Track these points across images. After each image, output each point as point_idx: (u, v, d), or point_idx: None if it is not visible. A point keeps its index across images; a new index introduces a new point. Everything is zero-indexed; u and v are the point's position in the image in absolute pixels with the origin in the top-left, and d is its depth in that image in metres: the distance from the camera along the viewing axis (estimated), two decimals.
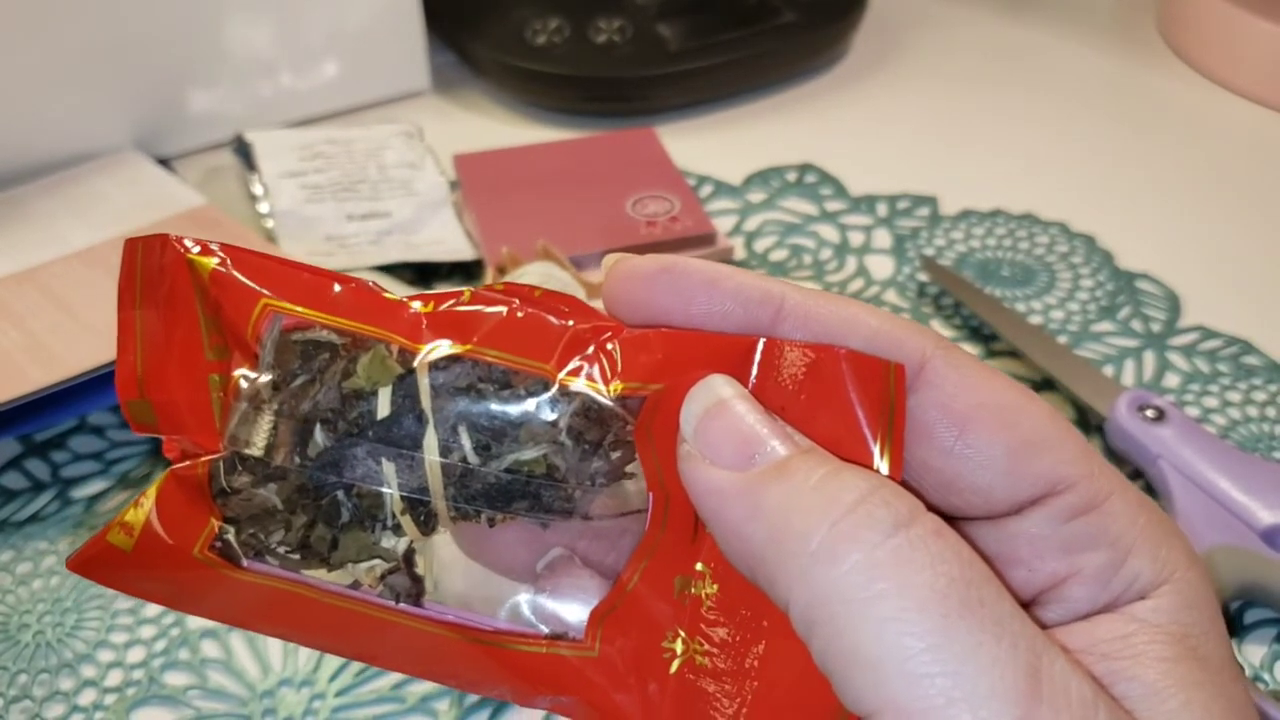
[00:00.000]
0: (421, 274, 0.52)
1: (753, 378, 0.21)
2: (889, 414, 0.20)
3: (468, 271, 0.53)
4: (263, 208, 0.54)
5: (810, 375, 0.20)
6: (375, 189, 0.55)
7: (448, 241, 0.53)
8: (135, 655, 0.38)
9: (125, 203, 0.53)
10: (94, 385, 0.43)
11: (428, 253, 0.52)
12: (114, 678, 0.37)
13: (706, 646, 0.21)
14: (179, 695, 0.36)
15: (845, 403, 0.20)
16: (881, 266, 0.53)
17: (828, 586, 0.18)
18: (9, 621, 0.39)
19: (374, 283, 0.23)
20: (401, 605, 0.23)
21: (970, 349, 0.49)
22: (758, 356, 0.21)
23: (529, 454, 0.22)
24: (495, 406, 0.22)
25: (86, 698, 0.36)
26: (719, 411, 0.20)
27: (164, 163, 0.59)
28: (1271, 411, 0.45)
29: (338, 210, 0.54)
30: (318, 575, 0.23)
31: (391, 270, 0.51)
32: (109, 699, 0.36)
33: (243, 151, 0.57)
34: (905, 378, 0.20)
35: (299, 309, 0.22)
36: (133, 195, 0.53)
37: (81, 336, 0.43)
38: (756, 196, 0.58)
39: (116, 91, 0.57)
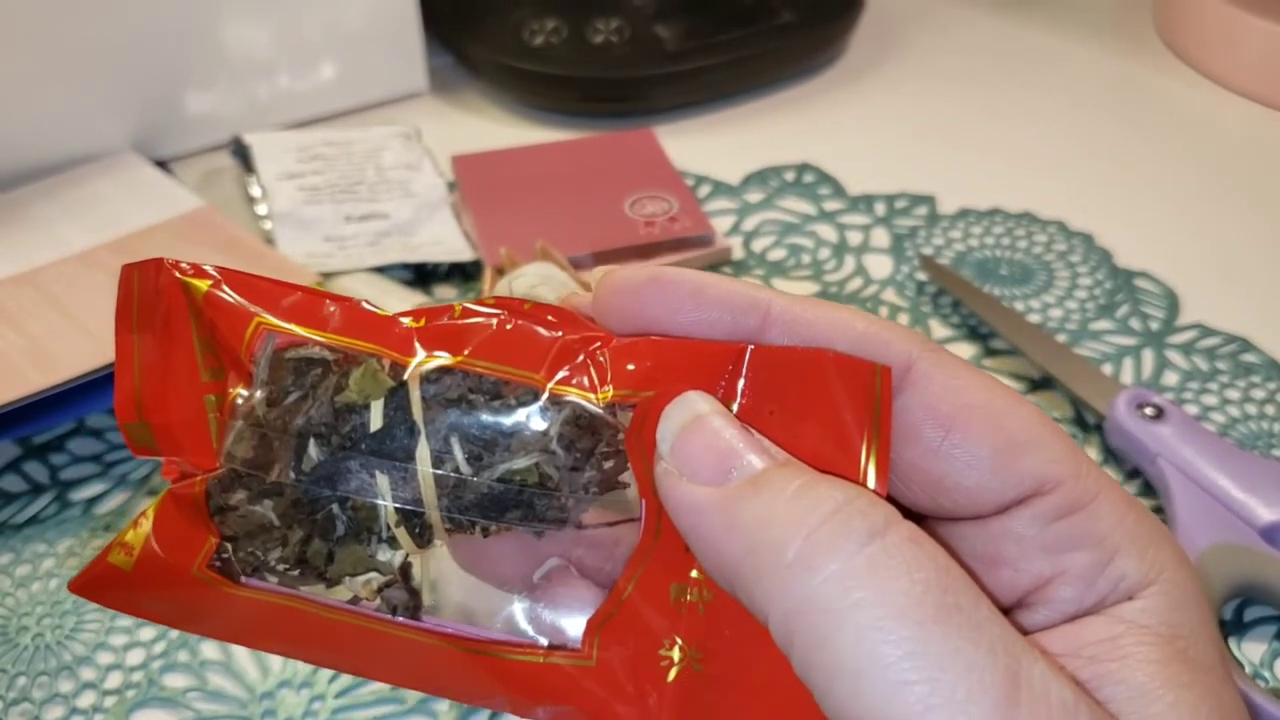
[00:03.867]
0: (420, 275, 0.52)
1: (741, 384, 0.21)
2: (875, 416, 0.20)
3: (466, 272, 0.53)
4: (261, 209, 0.54)
5: (798, 379, 0.21)
6: (373, 190, 0.55)
7: (446, 242, 0.53)
8: (134, 657, 0.37)
9: (123, 205, 0.53)
10: (92, 388, 0.43)
11: (426, 254, 0.52)
12: (113, 680, 0.37)
13: (703, 654, 0.21)
14: (178, 697, 0.36)
15: (832, 405, 0.20)
16: (880, 266, 0.53)
17: (805, 597, 0.18)
18: (8, 624, 0.39)
19: (366, 301, 0.23)
20: (399, 618, 0.23)
21: (969, 348, 0.49)
22: (746, 363, 0.21)
23: (521, 463, 0.22)
24: (486, 417, 0.22)
25: (86, 700, 0.36)
26: (696, 428, 0.20)
27: (162, 165, 0.59)
28: (1270, 409, 0.45)
29: (336, 212, 0.54)
30: (315, 590, 0.23)
31: (389, 271, 0.51)
32: (108, 701, 0.36)
33: (241, 153, 0.57)
34: (891, 379, 0.20)
35: (292, 327, 0.23)
36: (131, 198, 0.53)
37: (80, 339, 0.43)
38: (754, 196, 0.58)
39: (114, 94, 0.57)
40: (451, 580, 0.24)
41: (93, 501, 0.43)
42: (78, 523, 0.42)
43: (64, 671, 0.37)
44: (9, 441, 0.45)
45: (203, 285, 0.23)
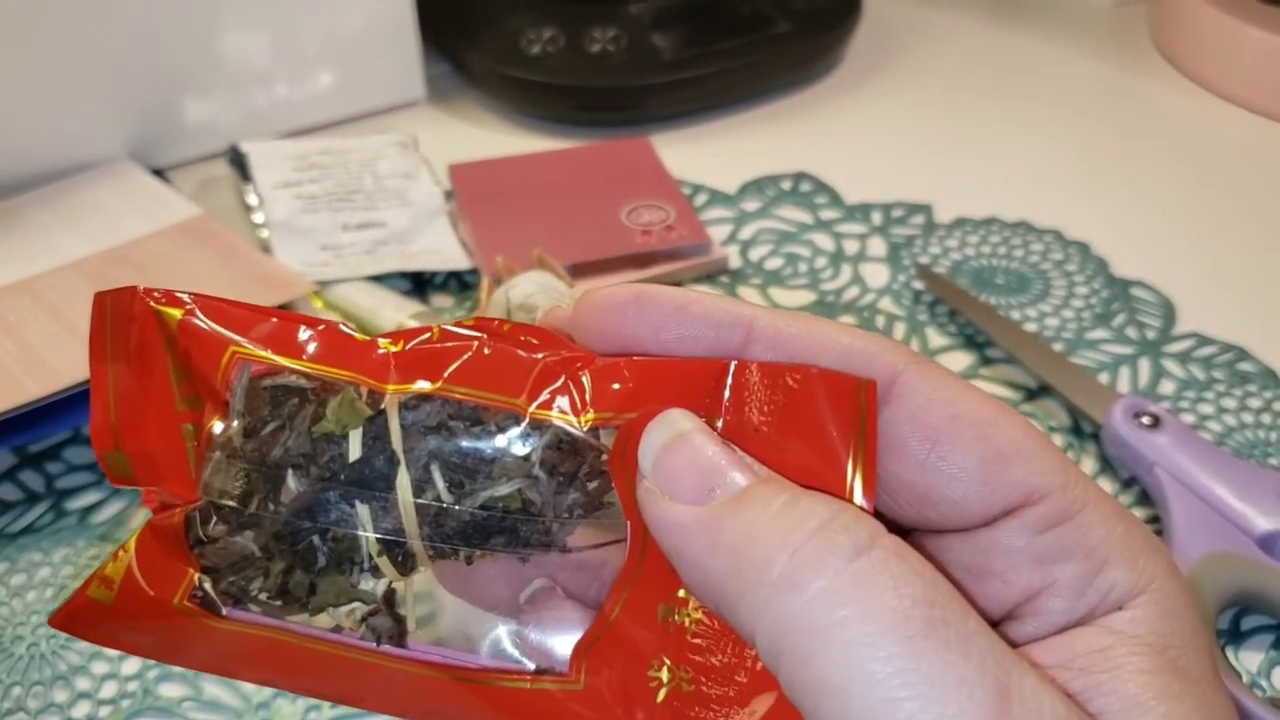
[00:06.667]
0: (417, 283, 0.52)
1: (725, 401, 0.21)
2: (860, 430, 0.20)
3: (463, 281, 0.53)
4: (258, 218, 0.54)
5: (782, 395, 0.20)
6: (370, 199, 0.55)
7: (443, 251, 0.53)
8: (130, 667, 0.37)
9: (120, 213, 0.52)
10: (88, 397, 0.43)
11: (423, 262, 0.52)
12: (109, 689, 0.37)
13: (692, 673, 0.21)
14: (174, 707, 0.36)
15: (818, 421, 0.20)
16: (876, 275, 0.53)
17: (791, 615, 0.18)
18: (3, 633, 0.38)
19: (343, 324, 0.23)
20: (383, 647, 0.23)
21: (965, 357, 0.49)
22: (729, 380, 0.21)
23: (503, 489, 0.21)
24: (467, 443, 0.21)
25: (81, 710, 0.36)
26: (677, 445, 0.20)
27: (159, 173, 0.59)
28: (1266, 418, 0.45)
29: (333, 220, 0.54)
30: (300, 620, 0.23)
31: (387, 280, 0.51)
32: (104, 711, 0.36)
33: (238, 162, 0.57)
34: (876, 393, 0.20)
35: (267, 354, 0.22)
36: (127, 206, 0.53)
37: (76, 347, 0.43)
38: (751, 205, 0.58)
39: (111, 102, 0.57)
40: (440, 601, 0.23)
41: (89, 510, 0.43)
42: (74, 531, 0.42)
43: (59, 681, 0.37)
44: (5, 450, 0.45)
45: (176, 313, 0.23)
